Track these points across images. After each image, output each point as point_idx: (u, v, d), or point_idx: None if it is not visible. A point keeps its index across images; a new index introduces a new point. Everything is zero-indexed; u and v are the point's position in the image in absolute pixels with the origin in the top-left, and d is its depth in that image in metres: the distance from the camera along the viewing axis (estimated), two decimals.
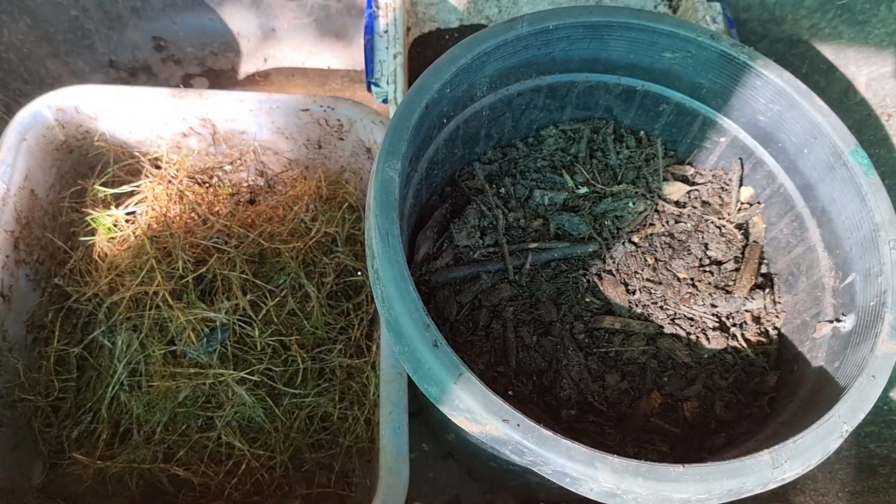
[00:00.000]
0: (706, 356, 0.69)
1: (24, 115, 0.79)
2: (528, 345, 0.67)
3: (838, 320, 0.64)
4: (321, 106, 0.82)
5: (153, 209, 0.81)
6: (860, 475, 0.82)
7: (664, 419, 0.65)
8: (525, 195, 0.75)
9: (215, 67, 1.19)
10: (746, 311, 0.71)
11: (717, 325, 0.70)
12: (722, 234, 0.74)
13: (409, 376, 0.55)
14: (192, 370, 0.74)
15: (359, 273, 0.81)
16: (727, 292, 0.71)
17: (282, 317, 0.77)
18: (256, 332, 0.75)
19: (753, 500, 0.53)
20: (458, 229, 0.70)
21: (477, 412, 0.49)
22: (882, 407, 0.82)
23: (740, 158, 0.76)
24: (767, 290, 0.73)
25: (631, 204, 0.74)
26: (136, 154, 0.87)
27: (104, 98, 0.81)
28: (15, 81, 1.00)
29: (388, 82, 0.87)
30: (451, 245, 0.70)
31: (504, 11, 1.08)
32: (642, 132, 0.80)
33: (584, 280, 0.70)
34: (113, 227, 0.80)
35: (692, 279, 0.72)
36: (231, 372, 0.73)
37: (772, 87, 0.68)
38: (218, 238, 0.78)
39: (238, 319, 0.75)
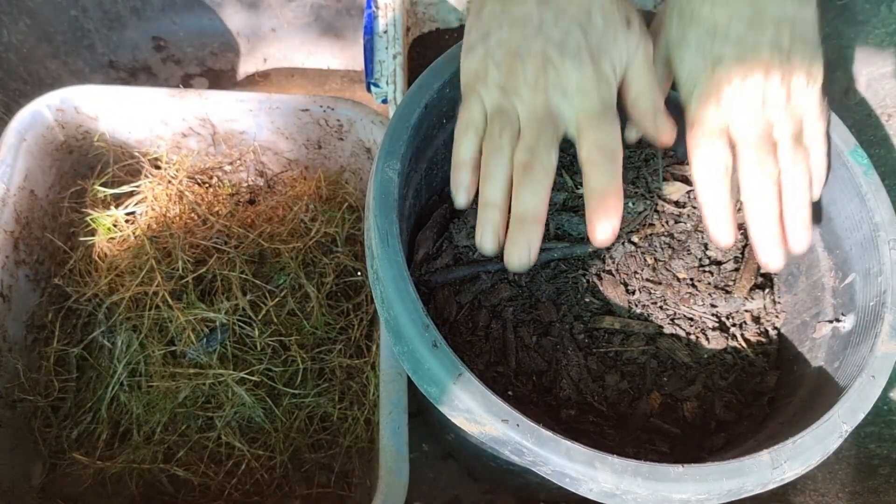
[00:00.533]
0: (706, 356, 0.69)
1: (24, 116, 0.79)
2: (528, 345, 0.67)
3: (838, 320, 0.64)
4: (321, 106, 0.82)
5: (153, 209, 0.81)
6: (860, 475, 0.82)
7: (664, 419, 0.65)
8: None
9: (215, 67, 1.19)
10: (746, 311, 0.71)
11: (716, 325, 0.70)
12: None
13: (408, 376, 0.56)
14: (191, 370, 0.74)
15: (358, 273, 0.81)
16: (727, 292, 0.71)
17: (281, 317, 0.77)
18: (256, 333, 0.75)
19: (753, 500, 0.53)
20: (457, 229, 0.70)
21: (476, 412, 0.49)
22: (882, 407, 0.82)
23: None
24: (767, 291, 0.73)
25: (630, 204, 0.74)
26: (136, 154, 0.87)
27: (104, 98, 0.81)
28: (15, 81, 1.00)
29: (387, 82, 0.87)
30: (450, 245, 0.70)
31: None
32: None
33: (584, 280, 0.70)
34: (113, 228, 0.80)
35: (692, 279, 0.72)
36: (231, 372, 0.74)
37: None
38: (218, 238, 0.79)
39: (238, 319, 0.75)
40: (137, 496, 0.76)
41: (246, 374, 0.74)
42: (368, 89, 0.88)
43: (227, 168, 0.89)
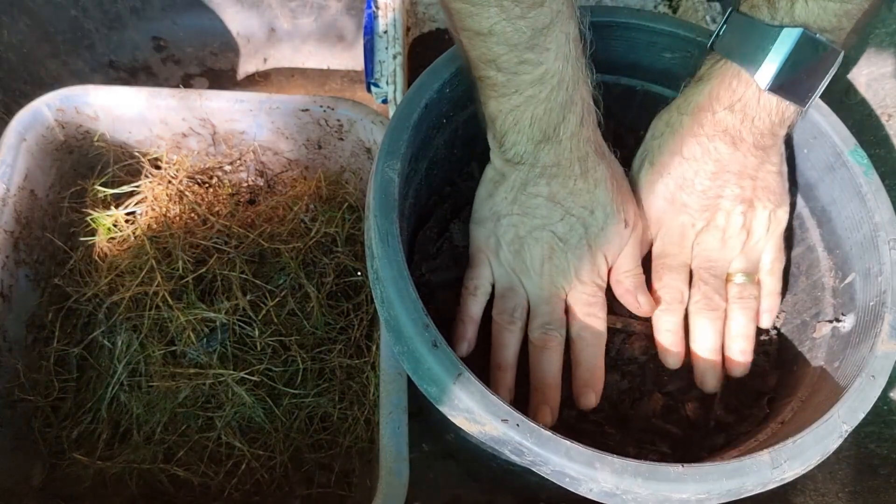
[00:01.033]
0: None
1: (24, 116, 0.79)
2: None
3: (838, 320, 0.64)
4: (321, 106, 0.82)
5: (153, 209, 0.81)
6: (860, 475, 0.82)
7: (665, 420, 0.65)
8: None
9: (215, 67, 1.19)
10: None
11: None
12: None
13: (408, 376, 0.56)
14: (192, 370, 0.74)
15: (358, 273, 0.81)
16: None
17: (282, 317, 0.77)
18: (256, 333, 0.75)
19: (753, 500, 0.53)
20: (457, 230, 0.70)
21: (476, 412, 0.49)
22: (882, 407, 0.82)
23: None
24: None
25: None
26: (136, 154, 0.87)
27: (104, 98, 0.81)
28: (15, 81, 1.00)
29: (387, 82, 0.87)
30: (450, 245, 0.70)
31: None
32: (642, 132, 0.80)
33: None
34: (113, 228, 0.80)
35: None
36: (231, 372, 0.73)
37: None
38: (218, 238, 0.79)
39: (238, 319, 0.75)
40: (137, 496, 0.76)
41: (246, 374, 0.74)
42: (368, 89, 0.89)
43: (227, 168, 0.89)
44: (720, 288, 0.65)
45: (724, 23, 0.63)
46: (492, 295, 0.66)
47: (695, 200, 0.65)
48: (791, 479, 0.52)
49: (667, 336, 0.65)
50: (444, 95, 0.64)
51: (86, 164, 0.87)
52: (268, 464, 0.76)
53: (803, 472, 0.52)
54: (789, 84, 0.59)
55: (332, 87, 1.21)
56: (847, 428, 0.53)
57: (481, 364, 0.65)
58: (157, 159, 0.86)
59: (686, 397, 0.66)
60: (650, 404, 0.65)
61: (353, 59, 1.21)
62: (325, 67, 1.22)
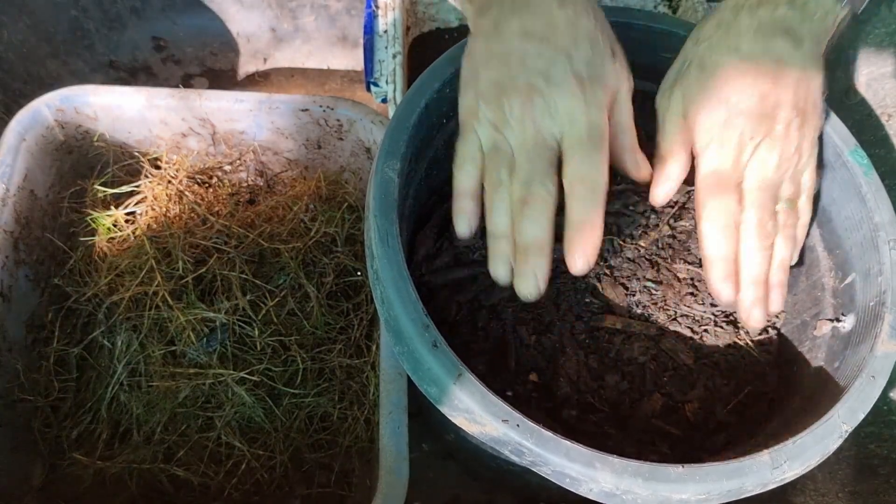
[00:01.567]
0: (707, 357, 0.69)
1: (24, 116, 0.79)
2: (527, 344, 0.67)
3: (838, 320, 0.64)
4: (321, 106, 0.82)
5: (153, 209, 0.81)
6: (860, 475, 0.82)
7: (665, 420, 0.65)
8: None
9: (215, 67, 1.19)
10: None
11: (717, 325, 0.70)
12: None
13: (408, 376, 0.56)
14: (191, 370, 0.74)
15: (358, 273, 0.81)
16: None
17: (281, 317, 0.77)
18: (256, 332, 0.75)
19: (753, 500, 0.53)
20: None
21: (476, 412, 0.49)
22: (882, 407, 0.82)
23: None
24: None
25: (631, 204, 0.74)
26: (136, 154, 0.87)
27: (104, 98, 0.81)
28: (15, 81, 1.00)
29: (387, 82, 0.87)
30: (450, 245, 0.70)
31: None
32: (642, 132, 0.80)
33: (584, 281, 0.70)
34: (113, 228, 0.80)
35: (692, 279, 0.72)
36: (231, 372, 0.73)
37: None
38: (218, 238, 0.79)
39: (238, 319, 0.75)
40: (137, 496, 0.76)
41: (246, 373, 0.74)
42: (368, 89, 0.88)
43: (227, 168, 0.89)
44: (773, 213, 0.59)
45: None
46: None
47: (755, 105, 0.56)
48: (791, 479, 0.52)
49: (721, 266, 0.58)
50: (444, 95, 0.64)
51: (86, 164, 0.87)
52: (268, 464, 0.76)
53: (803, 472, 0.52)
54: None
55: (332, 87, 1.21)
56: (847, 428, 0.53)
57: (481, 364, 0.65)
58: (156, 159, 0.86)
59: (686, 398, 0.66)
60: (650, 405, 0.65)
61: (353, 59, 1.21)
62: (325, 67, 1.22)
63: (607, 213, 0.73)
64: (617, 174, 0.76)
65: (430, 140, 0.68)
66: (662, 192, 0.64)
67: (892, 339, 0.57)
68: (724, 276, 0.59)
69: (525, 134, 0.54)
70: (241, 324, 0.75)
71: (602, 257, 0.71)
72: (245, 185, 0.89)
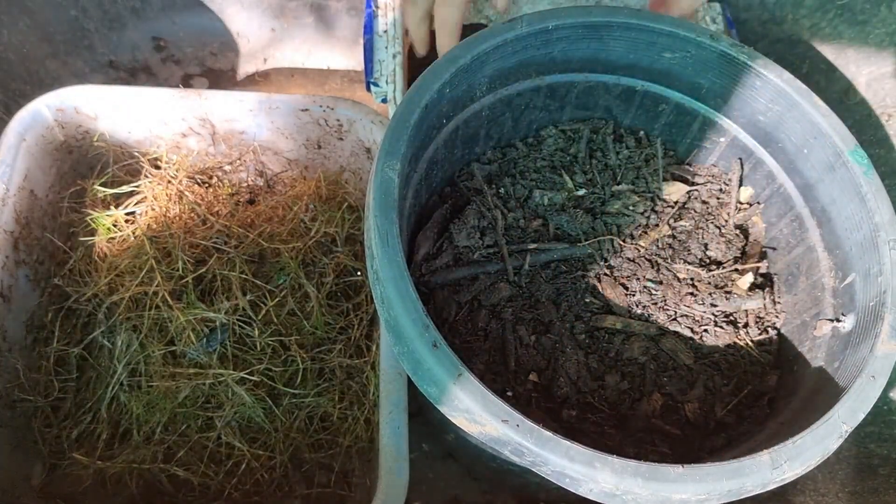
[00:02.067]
0: (706, 357, 0.69)
1: (24, 116, 0.79)
2: (527, 344, 0.67)
3: (838, 320, 0.64)
4: (321, 106, 0.82)
5: (153, 209, 0.81)
6: (860, 475, 0.82)
7: (665, 420, 0.65)
8: (524, 195, 0.75)
9: (215, 67, 1.19)
10: (746, 311, 0.71)
11: (717, 325, 0.70)
12: (722, 235, 0.74)
13: (408, 376, 0.56)
14: (191, 370, 0.74)
15: (358, 273, 0.81)
16: (727, 292, 0.71)
17: (281, 317, 0.77)
18: (256, 332, 0.75)
19: (753, 500, 0.53)
20: (457, 230, 0.70)
21: (476, 413, 0.49)
22: (882, 407, 0.82)
23: (740, 158, 0.76)
24: (767, 290, 0.73)
25: (631, 205, 0.74)
26: (136, 154, 0.87)
27: (104, 98, 0.81)
28: (14, 81, 1.00)
29: (387, 82, 0.87)
30: (450, 245, 0.70)
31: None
32: (642, 132, 0.80)
33: (584, 281, 0.70)
34: (112, 228, 0.80)
35: (692, 279, 0.72)
36: (231, 372, 0.73)
37: (772, 87, 0.68)
38: (217, 238, 0.79)
39: (238, 319, 0.75)
40: (137, 496, 0.76)
41: (246, 374, 0.74)
42: (368, 89, 0.88)
43: (227, 168, 0.89)
44: None
45: None
46: None
47: None
48: (791, 479, 0.52)
49: None
50: (443, 96, 0.64)
51: (85, 164, 0.87)
52: (268, 464, 0.76)
53: (803, 472, 0.52)
54: None
55: (332, 87, 1.21)
56: (847, 428, 0.53)
57: (481, 364, 0.65)
58: (156, 159, 0.86)
59: (686, 398, 0.66)
60: (650, 405, 0.65)
61: (353, 59, 1.21)
62: (325, 67, 1.21)
63: (608, 214, 0.74)
64: (617, 174, 0.77)
65: (430, 140, 0.68)
66: None
67: (892, 340, 0.57)
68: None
69: None
70: (241, 324, 0.75)
71: (602, 257, 0.72)
72: (245, 185, 0.89)
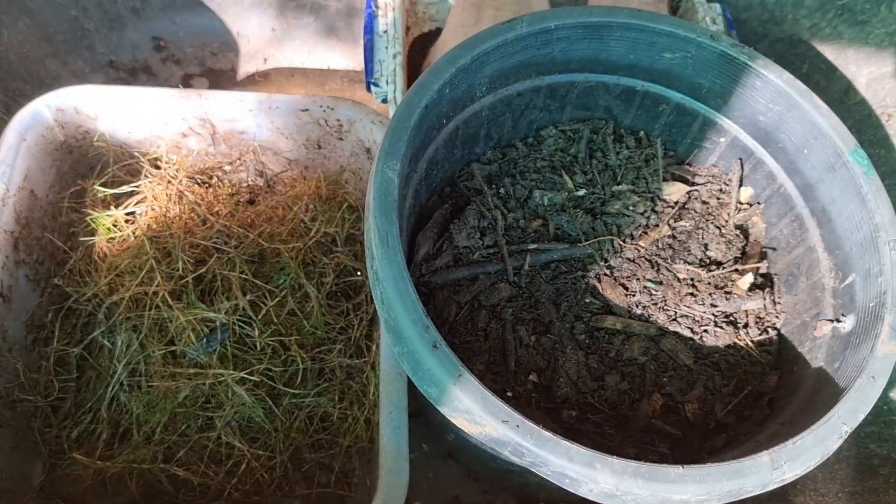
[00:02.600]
0: (706, 357, 0.69)
1: (24, 116, 0.79)
2: (527, 344, 0.67)
3: (838, 321, 0.64)
4: (321, 106, 0.82)
5: (153, 209, 0.81)
6: (860, 475, 0.82)
7: (665, 420, 0.65)
8: (524, 195, 0.75)
9: (215, 67, 1.19)
10: (746, 311, 0.71)
11: (717, 325, 0.70)
12: (722, 235, 0.74)
13: (408, 376, 0.56)
14: (191, 370, 0.74)
15: (358, 273, 0.81)
16: (727, 293, 0.71)
17: (281, 317, 0.77)
18: (256, 332, 0.75)
19: (753, 499, 0.53)
20: (457, 230, 0.70)
21: (476, 413, 0.49)
22: (882, 407, 0.82)
23: (740, 159, 0.76)
24: (767, 291, 0.72)
25: (631, 205, 0.74)
26: (136, 154, 0.87)
27: (104, 98, 0.81)
28: (15, 81, 1.00)
29: (387, 82, 0.87)
30: (450, 246, 0.70)
31: None
32: (642, 132, 0.80)
33: (584, 281, 0.70)
34: (113, 228, 0.80)
35: (692, 280, 0.72)
36: (231, 372, 0.73)
37: (772, 87, 0.68)
38: (218, 238, 0.78)
39: (238, 319, 0.75)
40: (137, 496, 0.76)
41: (246, 373, 0.74)
42: (368, 89, 0.88)
43: (227, 168, 0.89)
44: None
45: None
46: None
47: None
48: (791, 480, 0.52)
49: None
50: (443, 96, 0.64)
51: (86, 164, 0.87)
52: (268, 464, 0.76)
53: (803, 473, 0.52)
54: None
55: (332, 87, 1.21)
56: (847, 429, 0.53)
57: (481, 365, 0.65)
58: (156, 159, 0.86)
59: (686, 398, 0.66)
60: (650, 405, 0.65)
61: (353, 59, 1.21)
62: (325, 67, 1.21)
63: (608, 214, 0.74)
64: (617, 174, 0.77)
65: (430, 140, 0.68)
66: None
67: (892, 340, 0.57)
68: None
69: None
70: (241, 324, 0.75)
71: (602, 257, 0.71)
72: (245, 185, 0.89)
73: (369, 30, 0.91)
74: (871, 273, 0.61)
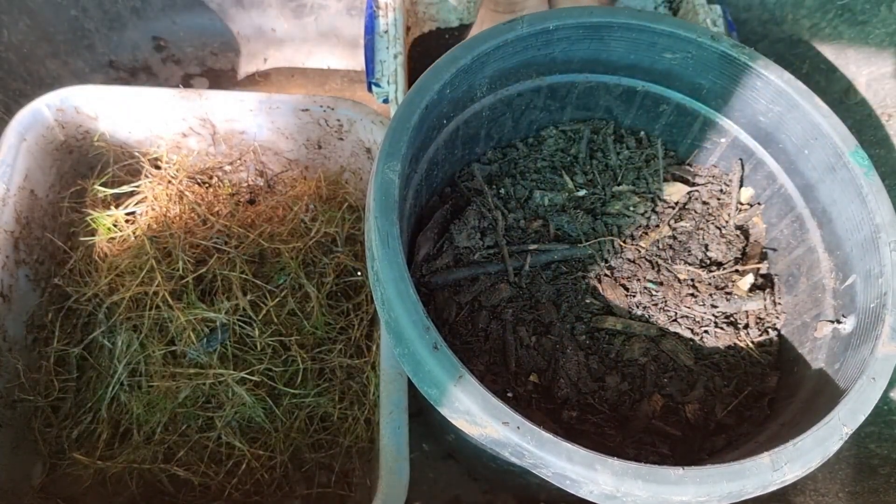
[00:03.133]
0: (707, 358, 0.69)
1: (24, 115, 0.79)
2: (528, 344, 0.67)
3: (839, 322, 0.64)
4: (321, 106, 0.82)
5: (153, 209, 0.81)
6: (860, 475, 0.82)
7: (665, 421, 0.65)
8: (525, 196, 0.75)
9: (215, 67, 1.19)
10: (746, 312, 0.71)
11: (717, 326, 0.70)
12: (722, 235, 0.74)
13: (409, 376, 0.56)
14: (192, 370, 0.74)
15: (358, 273, 0.81)
16: (727, 293, 0.71)
17: (282, 317, 0.77)
18: (256, 332, 0.75)
19: (753, 501, 0.53)
20: (458, 230, 0.70)
21: (476, 414, 0.49)
22: (882, 407, 0.82)
23: (741, 159, 0.76)
24: (767, 291, 0.72)
25: (631, 205, 0.74)
26: (136, 154, 0.87)
27: (104, 98, 0.81)
28: (15, 81, 1.00)
29: (388, 82, 0.87)
30: (451, 246, 0.70)
31: None
32: (642, 133, 0.80)
33: (584, 282, 0.70)
34: (113, 228, 0.80)
35: (692, 280, 0.72)
36: (231, 372, 0.73)
37: (772, 87, 0.68)
38: (218, 238, 0.78)
39: (238, 319, 0.75)
40: (137, 496, 0.76)
41: (246, 374, 0.74)
42: (369, 89, 0.88)
43: (227, 168, 0.89)
44: None
45: None
46: None
47: None
48: (791, 481, 0.52)
49: None
50: (444, 96, 0.64)
51: (86, 164, 0.87)
52: (268, 464, 0.76)
53: (804, 474, 0.52)
54: None
55: (332, 87, 1.21)
56: (848, 430, 0.53)
57: (481, 365, 0.65)
58: (157, 159, 0.86)
59: (686, 399, 0.66)
60: (650, 406, 0.65)
61: (353, 59, 1.21)
62: (325, 67, 1.21)
63: (608, 215, 0.74)
64: (618, 174, 0.77)
65: (431, 140, 0.68)
66: None
67: (892, 341, 0.57)
68: None
69: None
70: (241, 324, 0.75)
71: (602, 258, 0.71)
72: (245, 185, 0.89)
73: (370, 30, 0.90)
74: (872, 274, 0.61)
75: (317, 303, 0.77)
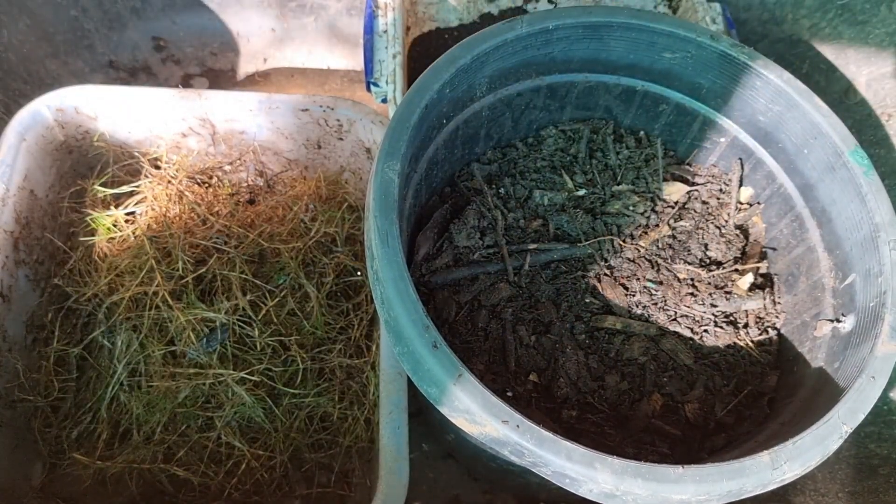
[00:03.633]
0: (707, 357, 0.69)
1: (24, 116, 0.79)
2: (527, 344, 0.67)
3: (838, 321, 0.64)
4: (321, 106, 0.82)
5: (153, 209, 0.81)
6: (860, 475, 0.82)
7: (665, 420, 0.65)
8: (524, 195, 0.75)
9: (215, 67, 1.19)
10: (746, 311, 0.71)
11: (717, 325, 0.70)
12: (722, 235, 0.74)
13: (408, 376, 0.56)
14: (191, 370, 0.74)
15: (358, 273, 0.81)
16: (727, 293, 0.71)
17: (281, 317, 0.77)
18: (256, 332, 0.75)
19: (753, 499, 0.53)
20: (457, 230, 0.70)
21: (476, 413, 0.49)
22: (882, 407, 0.82)
23: (740, 159, 0.76)
24: (767, 291, 0.72)
25: (631, 205, 0.74)
26: (136, 154, 0.87)
27: (104, 98, 0.81)
28: (15, 81, 1.00)
29: (387, 82, 0.87)
30: (450, 246, 0.70)
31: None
32: (642, 132, 0.80)
33: (584, 281, 0.70)
34: (112, 228, 0.80)
35: (692, 280, 0.72)
36: (231, 372, 0.73)
37: (772, 87, 0.68)
38: (218, 238, 0.78)
39: (238, 319, 0.75)
40: (137, 496, 0.76)
41: (246, 373, 0.74)
42: (368, 89, 0.88)
43: (227, 168, 0.89)
44: None
45: None
46: None
47: None
48: (791, 480, 0.52)
49: None
50: (444, 96, 0.64)
51: (85, 164, 0.87)
52: (268, 464, 0.76)
53: (803, 473, 0.52)
54: None
55: (332, 87, 1.21)
56: (847, 429, 0.53)
57: (481, 365, 0.65)
58: (156, 159, 0.86)
59: (686, 398, 0.66)
60: (650, 405, 0.65)
61: (353, 59, 1.21)
62: (325, 67, 1.21)
63: (608, 214, 0.74)
64: (617, 174, 0.77)
65: (430, 140, 0.68)
66: None
67: (892, 340, 0.57)
68: None
69: None
70: (241, 324, 0.75)
71: (602, 257, 0.71)
72: (245, 185, 0.89)
73: (369, 30, 0.90)
74: (871, 273, 0.61)
75: (316, 303, 0.77)
